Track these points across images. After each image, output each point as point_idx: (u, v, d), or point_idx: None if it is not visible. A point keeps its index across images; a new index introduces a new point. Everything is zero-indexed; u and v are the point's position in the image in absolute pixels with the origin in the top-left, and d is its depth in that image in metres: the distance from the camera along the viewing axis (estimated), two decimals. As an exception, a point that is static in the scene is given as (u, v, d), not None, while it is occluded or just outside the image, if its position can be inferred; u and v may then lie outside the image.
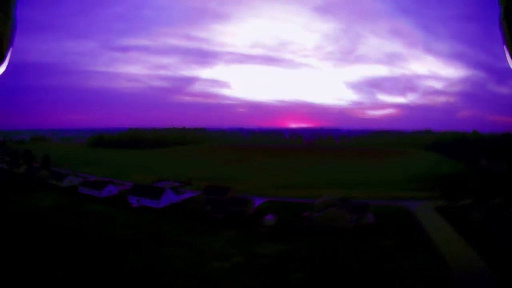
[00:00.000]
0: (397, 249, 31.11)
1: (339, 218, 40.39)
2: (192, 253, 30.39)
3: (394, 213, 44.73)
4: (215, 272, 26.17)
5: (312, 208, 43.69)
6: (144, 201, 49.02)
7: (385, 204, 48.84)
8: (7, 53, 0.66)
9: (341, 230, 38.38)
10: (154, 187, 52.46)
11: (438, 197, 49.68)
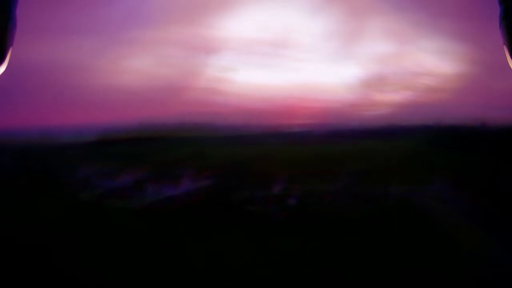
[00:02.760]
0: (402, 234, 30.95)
1: (345, 207, 40.50)
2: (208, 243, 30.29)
3: (400, 203, 44.69)
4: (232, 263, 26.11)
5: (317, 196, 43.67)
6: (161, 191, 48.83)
7: (391, 194, 48.86)
8: (7, 53, 0.67)
9: (347, 219, 38.46)
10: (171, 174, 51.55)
11: (445, 188, 49.72)
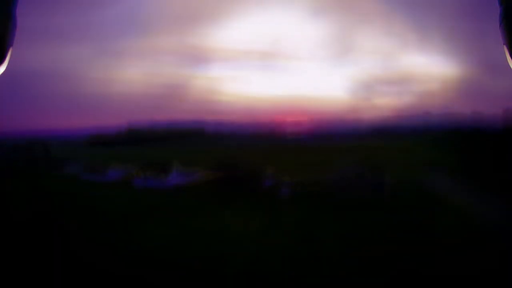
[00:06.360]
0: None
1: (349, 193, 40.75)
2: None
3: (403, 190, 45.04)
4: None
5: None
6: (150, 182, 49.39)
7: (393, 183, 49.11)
8: (7, 53, 0.67)
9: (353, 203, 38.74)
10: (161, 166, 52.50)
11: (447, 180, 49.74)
